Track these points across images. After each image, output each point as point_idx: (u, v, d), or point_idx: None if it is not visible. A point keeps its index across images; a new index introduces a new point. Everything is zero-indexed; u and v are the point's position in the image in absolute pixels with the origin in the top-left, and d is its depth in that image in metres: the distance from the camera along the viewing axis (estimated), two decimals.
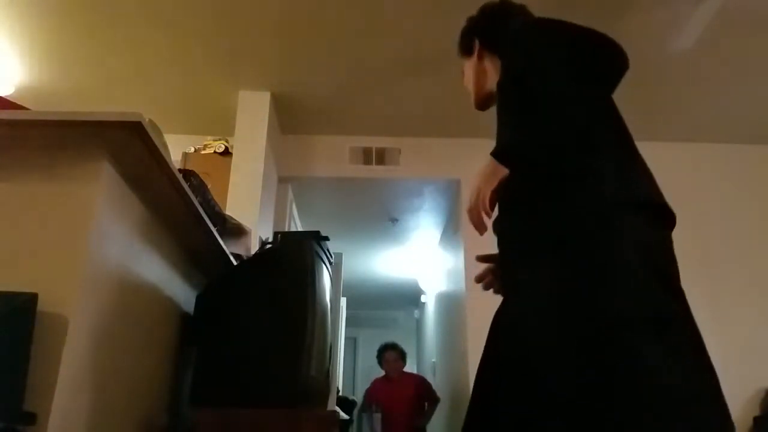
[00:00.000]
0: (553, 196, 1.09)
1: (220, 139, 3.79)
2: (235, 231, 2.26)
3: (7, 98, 1.53)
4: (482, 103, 1.52)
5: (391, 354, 4.61)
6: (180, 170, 1.59)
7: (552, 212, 1.08)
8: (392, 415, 4.41)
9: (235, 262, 2.02)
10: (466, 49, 1.53)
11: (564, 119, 1.09)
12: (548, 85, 1.11)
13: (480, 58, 1.49)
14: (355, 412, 7.51)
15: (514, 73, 1.22)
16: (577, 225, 1.03)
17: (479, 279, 1.39)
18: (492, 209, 1.16)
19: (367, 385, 8.48)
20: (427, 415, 4.45)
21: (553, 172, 1.11)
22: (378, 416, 4.51)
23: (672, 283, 1.02)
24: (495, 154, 1.15)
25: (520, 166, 1.14)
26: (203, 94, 3.92)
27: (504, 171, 1.13)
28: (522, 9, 1.47)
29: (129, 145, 1.23)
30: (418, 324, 7.96)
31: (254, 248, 2.84)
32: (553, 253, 1.03)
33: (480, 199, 1.15)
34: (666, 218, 1.10)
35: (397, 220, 5.32)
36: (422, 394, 4.53)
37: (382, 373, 4.83)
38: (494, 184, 1.13)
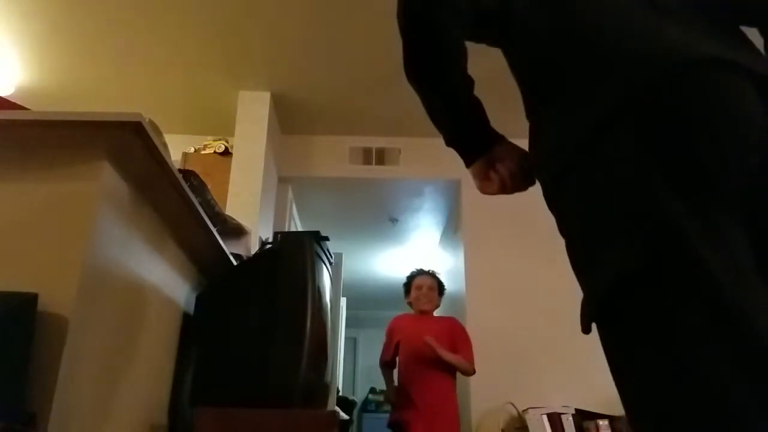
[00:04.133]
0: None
1: (220, 139, 3.79)
2: (235, 231, 2.26)
3: (7, 98, 1.53)
4: None
5: (424, 279, 3.12)
6: (180, 170, 1.59)
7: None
8: (418, 359, 2.84)
9: (235, 262, 2.02)
10: None
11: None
12: None
13: None
14: (355, 412, 7.51)
15: None
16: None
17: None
18: (497, 189, 1.03)
19: (368, 385, 8.26)
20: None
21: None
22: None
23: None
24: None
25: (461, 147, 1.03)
26: (203, 94, 3.92)
27: (471, 162, 1.02)
28: None
29: (129, 145, 1.23)
30: None
31: (254, 248, 2.84)
32: None
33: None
34: None
35: (397, 220, 5.32)
36: (459, 348, 2.90)
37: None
38: (477, 178, 1.03)
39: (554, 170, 0.84)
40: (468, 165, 1.03)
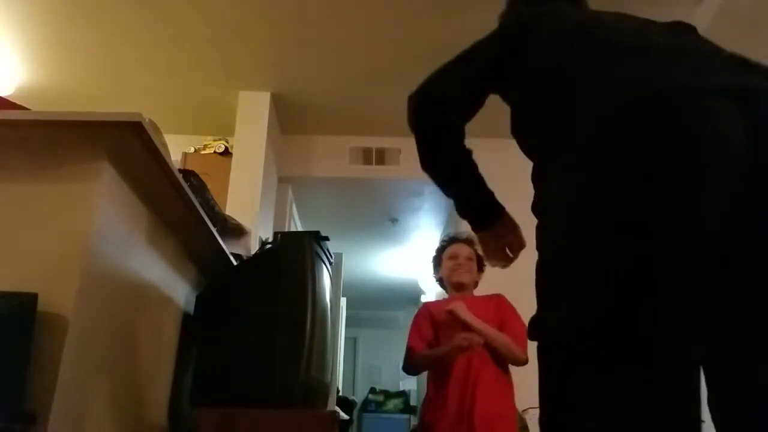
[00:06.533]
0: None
1: (220, 139, 3.79)
2: (235, 231, 2.25)
3: (7, 98, 1.53)
4: None
5: (461, 248, 2.39)
6: (180, 170, 1.59)
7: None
8: (461, 354, 2.14)
9: (235, 262, 2.02)
10: None
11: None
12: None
13: None
14: (355, 412, 7.50)
15: None
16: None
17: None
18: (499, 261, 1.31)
19: (368, 385, 8.25)
20: None
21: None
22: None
23: None
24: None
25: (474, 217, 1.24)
26: (203, 95, 3.92)
27: (483, 229, 1.25)
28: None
29: (129, 145, 1.23)
30: None
31: (254, 248, 2.84)
32: None
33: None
34: None
35: (397, 220, 5.32)
36: (507, 326, 2.24)
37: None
38: (486, 244, 1.27)
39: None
40: (477, 233, 1.26)
